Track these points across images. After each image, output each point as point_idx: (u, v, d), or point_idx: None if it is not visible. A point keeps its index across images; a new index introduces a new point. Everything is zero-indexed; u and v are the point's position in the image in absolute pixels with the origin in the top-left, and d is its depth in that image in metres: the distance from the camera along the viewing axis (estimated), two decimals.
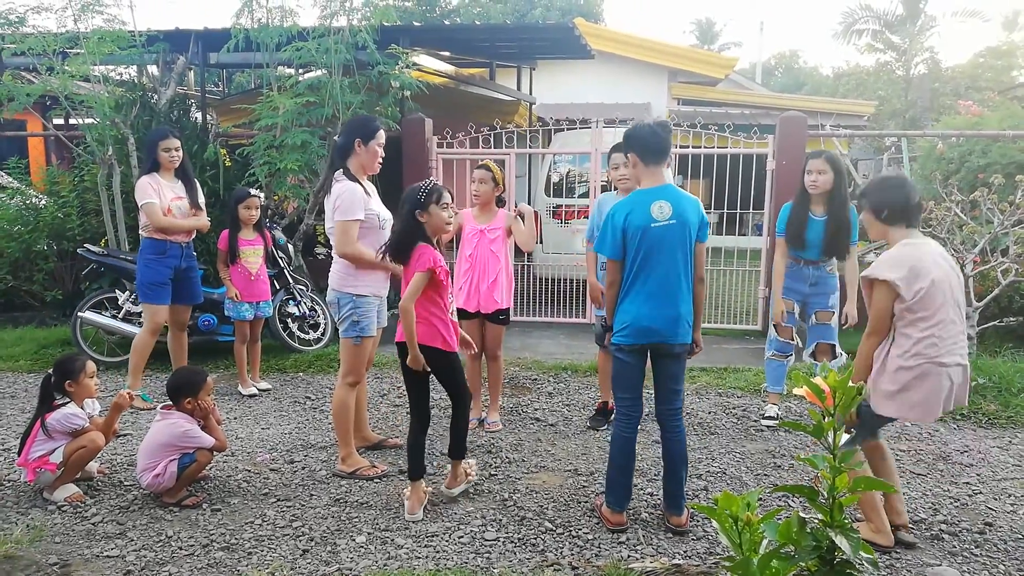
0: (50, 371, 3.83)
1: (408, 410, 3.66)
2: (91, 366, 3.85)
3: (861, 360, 3.09)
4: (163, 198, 4.99)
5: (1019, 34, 24.63)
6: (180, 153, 5.10)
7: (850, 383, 2.18)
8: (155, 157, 5.04)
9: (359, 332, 3.90)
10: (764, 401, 5.05)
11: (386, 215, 4.02)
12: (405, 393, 5.28)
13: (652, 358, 3.38)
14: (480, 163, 4.70)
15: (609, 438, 3.54)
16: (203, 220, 5.29)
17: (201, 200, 5.27)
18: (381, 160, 4.00)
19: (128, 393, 3.85)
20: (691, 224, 3.25)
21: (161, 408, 3.74)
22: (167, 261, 5.08)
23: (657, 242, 3.20)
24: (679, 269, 3.25)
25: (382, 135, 3.96)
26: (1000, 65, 21.71)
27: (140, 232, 5.17)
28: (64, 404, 3.74)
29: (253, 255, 5.55)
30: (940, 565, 3.09)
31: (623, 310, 3.32)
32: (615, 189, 4.63)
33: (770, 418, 4.81)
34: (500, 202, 4.72)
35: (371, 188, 4.06)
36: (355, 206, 3.79)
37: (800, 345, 4.89)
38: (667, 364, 3.38)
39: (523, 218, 4.67)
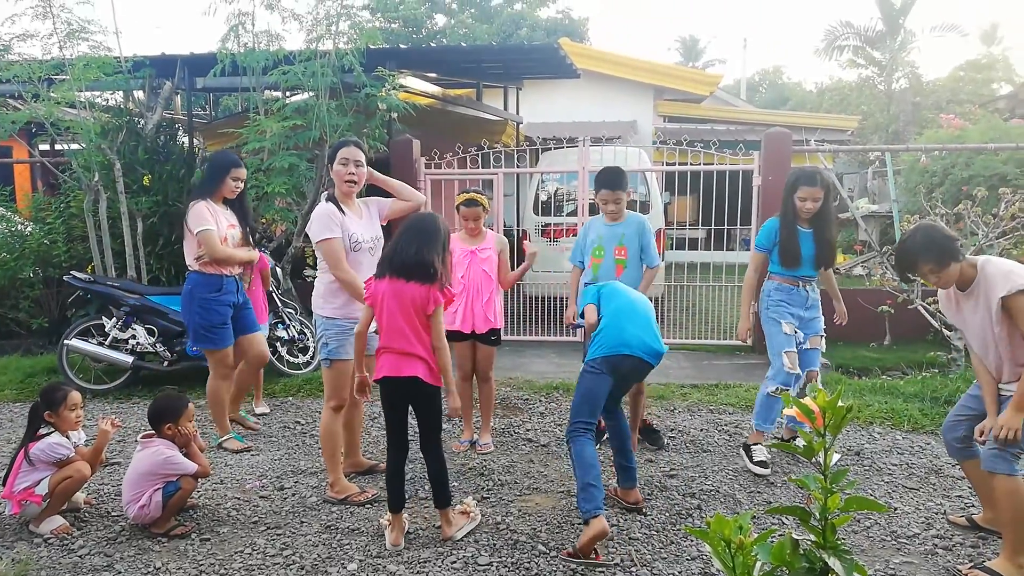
0: (38, 399, 3.79)
1: None
2: (74, 397, 3.78)
3: None
4: (220, 226, 4.61)
5: (998, 47, 25.00)
6: (244, 184, 4.81)
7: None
8: (219, 183, 4.67)
9: (327, 355, 3.89)
10: (747, 441, 4.47)
11: (372, 235, 3.99)
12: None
13: (620, 378, 3.60)
14: (467, 198, 4.58)
15: (599, 457, 3.53)
16: (255, 252, 4.93)
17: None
18: (349, 178, 3.89)
19: (112, 420, 3.80)
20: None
21: (141, 437, 3.69)
22: (225, 299, 4.65)
23: (628, 293, 3.74)
24: (650, 312, 3.70)
25: (345, 152, 3.88)
26: (980, 78, 22.01)
27: (190, 265, 4.68)
28: (49, 434, 3.70)
29: (244, 278, 5.50)
30: None
31: (609, 324, 3.63)
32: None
33: (762, 464, 4.26)
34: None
35: (363, 210, 4.05)
36: (322, 227, 3.79)
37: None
38: (633, 381, 3.81)
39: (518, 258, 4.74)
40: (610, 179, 4.45)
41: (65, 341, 6.02)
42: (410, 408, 3.49)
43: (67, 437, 3.72)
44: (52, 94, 6.43)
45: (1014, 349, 3.08)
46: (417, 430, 3.51)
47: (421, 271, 3.30)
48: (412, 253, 3.31)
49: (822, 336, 4.46)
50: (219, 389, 4.77)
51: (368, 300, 3.42)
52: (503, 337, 4.93)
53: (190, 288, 4.67)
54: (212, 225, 4.54)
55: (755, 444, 4.37)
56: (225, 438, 4.79)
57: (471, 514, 3.61)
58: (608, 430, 3.88)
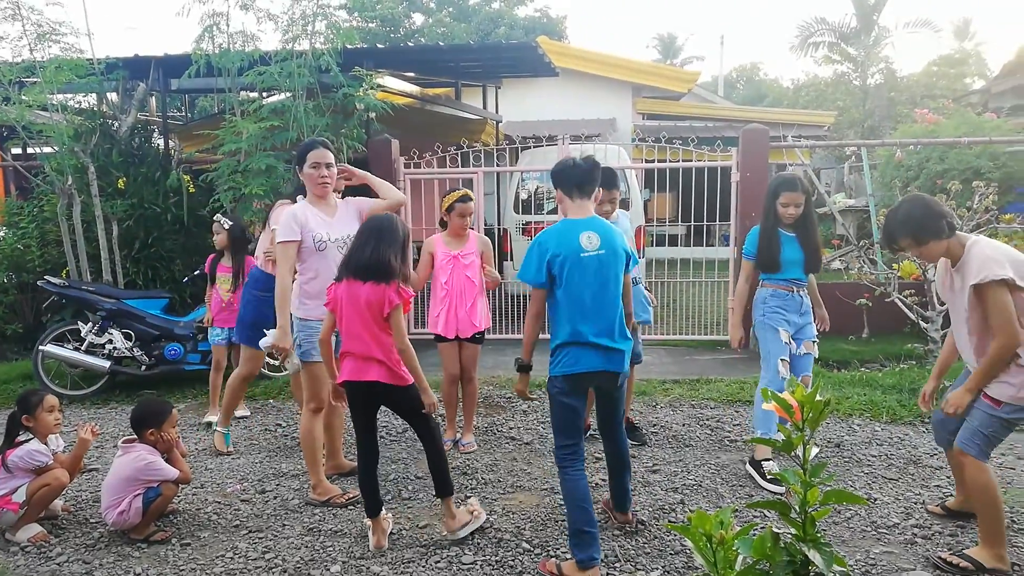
0: (15, 408, 3.74)
1: (381, 436, 3.61)
2: (51, 400, 3.75)
3: (994, 367, 3.05)
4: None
5: (970, 43, 25.36)
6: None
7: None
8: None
9: (300, 356, 3.86)
10: (752, 452, 4.34)
11: (339, 233, 3.86)
12: (378, 418, 5.25)
13: (596, 392, 3.31)
14: (463, 194, 4.58)
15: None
16: None
17: None
18: (322, 181, 3.85)
19: (92, 428, 3.76)
20: (620, 254, 3.20)
21: (122, 442, 3.65)
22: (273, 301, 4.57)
23: (589, 271, 3.11)
24: (613, 297, 3.17)
25: (315, 155, 3.84)
26: (953, 73, 22.34)
27: (256, 258, 4.83)
28: (27, 441, 3.65)
29: (226, 281, 5.45)
30: (915, 570, 3.12)
31: (562, 345, 3.16)
32: None
33: (775, 480, 3.97)
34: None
35: (334, 208, 3.96)
36: (283, 229, 3.75)
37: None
38: (610, 395, 3.32)
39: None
40: (607, 179, 4.42)
41: (40, 347, 5.93)
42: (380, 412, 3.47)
43: (46, 443, 3.67)
44: (23, 97, 6.33)
45: (979, 337, 3.14)
46: (386, 432, 3.49)
47: (377, 270, 3.24)
48: (368, 253, 3.26)
49: (815, 342, 4.37)
50: (239, 385, 4.84)
51: (329, 305, 3.38)
52: (485, 336, 4.91)
53: (248, 282, 4.81)
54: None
55: (764, 460, 4.17)
56: (219, 430, 4.77)
57: (475, 513, 3.56)
58: (606, 456, 3.53)
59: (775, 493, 3.96)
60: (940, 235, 3.13)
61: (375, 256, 3.25)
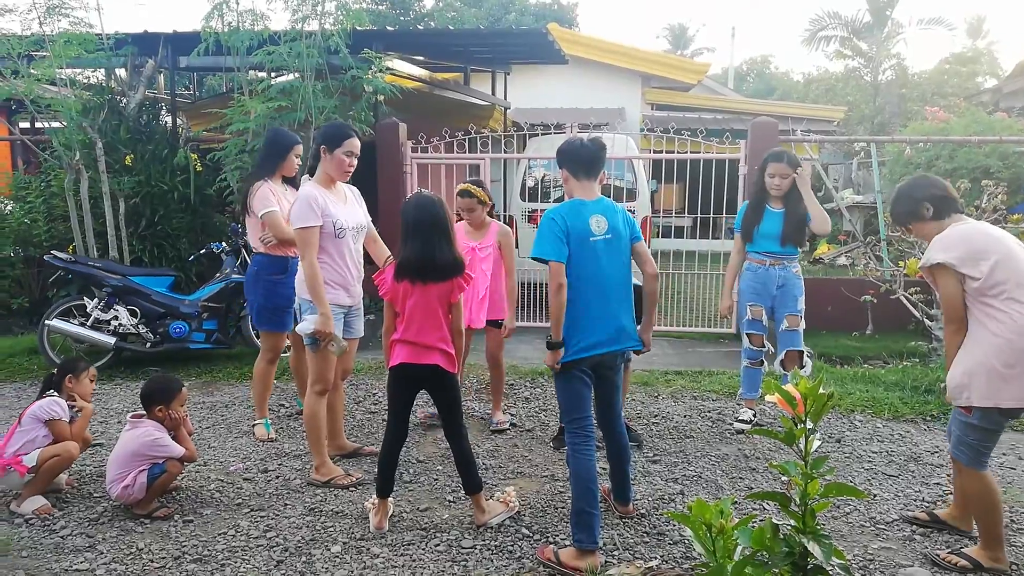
0: (54, 370, 3.99)
1: (384, 417, 3.62)
2: (93, 371, 4.03)
3: (947, 352, 3.10)
4: (282, 207, 4.42)
5: (983, 41, 25.19)
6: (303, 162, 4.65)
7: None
8: (281, 161, 4.51)
9: (313, 339, 3.84)
10: (739, 405, 5.03)
11: (356, 222, 3.93)
12: (380, 400, 5.28)
13: (595, 372, 3.29)
14: (460, 189, 4.57)
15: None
16: None
17: None
18: (349, 169, 3.86)
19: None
20: (624, 236, 3.28)
21: (131, 417, 3.68)
22: (291, 280, 4.33)
23: (600, 255, 3.18)
24: (621, 280, 3.27)
25: (352, 143, 3.82)
26: (965, 71, 22.19)
27: (255, 247, 4.56)
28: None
29: None
30: (912, 566, 3.13)
31: (570, 325, 3.18)
32: None
33: (743, 421, 4.76)
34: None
35: (347, 194, 3.99)
36: (302, 213, 3.70)
37: (772, 351, 4.87)
38: (610, 377, 3.35)
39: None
40: None
41: (46, 321, 5.96)
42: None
43: (72, 406, 3.81)
44: (32, 71, 6.33)
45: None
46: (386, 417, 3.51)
47: (454, 269, 3.32)
48: (450, 257, 3.30)
49: (798, 316, 4.59)
50: (265, 372, 4.66)
51: (388, 295, 3.38)
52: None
53: (256, 270, 4.55)
54: (276, 206, 4.39)
55: (744, 408, 4.86)
56: (256, 423, 4.72)
57: (510, 504, 3.56)
58: (606, 447, 3.52)
59: (741, 431, 4.67)
60: (916, 219, 3.17)
61: (450, 256, 3.30)
